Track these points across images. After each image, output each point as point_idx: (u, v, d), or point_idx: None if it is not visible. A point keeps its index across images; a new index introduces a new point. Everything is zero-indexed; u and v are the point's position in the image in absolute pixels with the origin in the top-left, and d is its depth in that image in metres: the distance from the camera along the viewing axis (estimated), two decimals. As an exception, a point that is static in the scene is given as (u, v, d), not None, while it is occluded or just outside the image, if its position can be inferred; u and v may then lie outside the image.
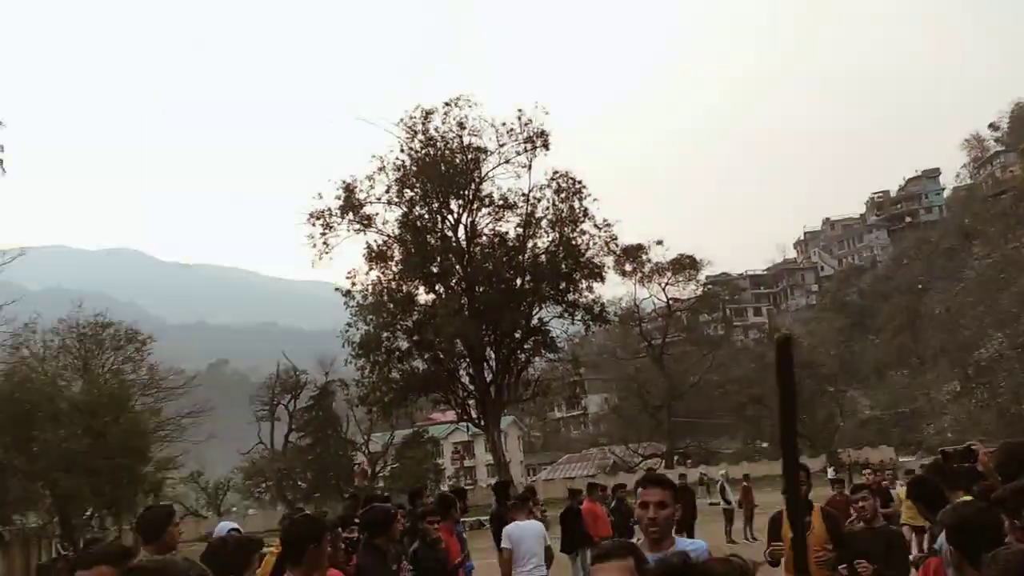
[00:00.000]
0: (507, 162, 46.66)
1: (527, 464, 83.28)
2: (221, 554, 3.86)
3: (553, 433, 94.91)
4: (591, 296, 47.70)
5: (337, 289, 46.72)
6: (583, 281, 47.14)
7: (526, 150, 46.34)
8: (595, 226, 47.16)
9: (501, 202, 47.32)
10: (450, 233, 47.08)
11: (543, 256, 46.88)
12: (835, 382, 68.40)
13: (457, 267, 46.66)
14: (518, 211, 47.32)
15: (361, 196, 46.18)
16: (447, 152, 46.30)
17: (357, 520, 6.74)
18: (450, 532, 8.69)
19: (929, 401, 65.98)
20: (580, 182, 46.98)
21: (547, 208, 47.22)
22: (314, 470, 65.71)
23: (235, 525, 6.76)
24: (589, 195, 47.04)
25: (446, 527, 8.42)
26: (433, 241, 46.64)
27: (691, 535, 18.80)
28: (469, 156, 46.46)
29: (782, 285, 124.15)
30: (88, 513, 43.81)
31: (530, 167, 46.63)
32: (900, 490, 12.53)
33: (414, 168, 46.18)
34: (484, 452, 66.25)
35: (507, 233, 47.52)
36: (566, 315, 48.01)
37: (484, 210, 47.42)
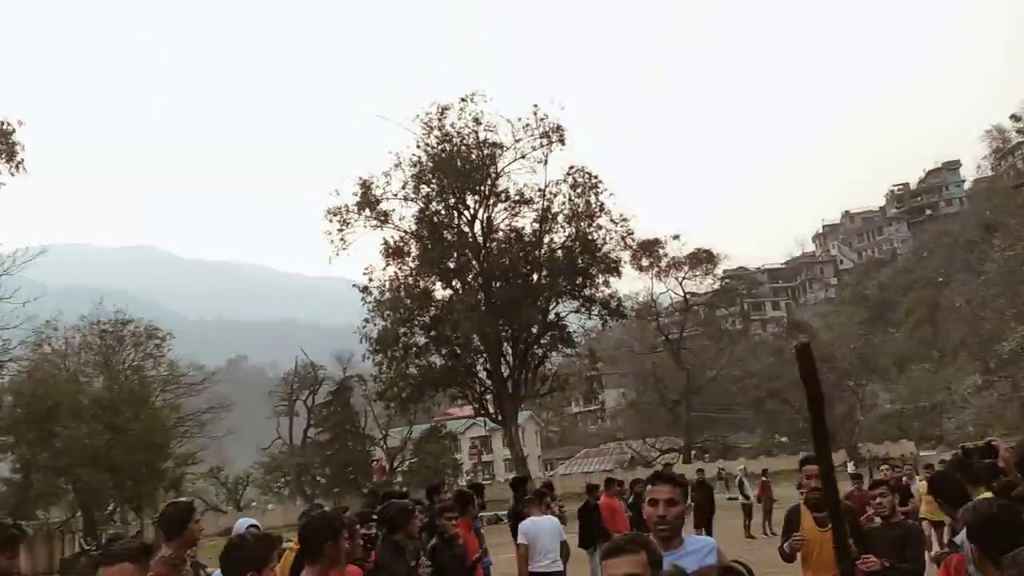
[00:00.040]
0: (523, 157, 46.63)
1: (545, 459, 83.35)
2: (241, 551, 3.89)
3: (570, 428, 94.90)
4: (608, 291, 47.65)
5: (354, 285, 46.89)
6: (600, 276, 47.07)
7: (542, 145, 46.28)
8: (612, 221, 47.06)
9: (517, 197, 47.29)
10: (466, 229, 47.11)
11: (560, 251, 46.84)
12: (855, 376, 67.88)
13: (474, 263, 46.69)
14: (534, 206, 47.29)
15: (378, 192, 46.31)
16: (463, 148, 46.29)
17: (375, 516, 6.76)
18: (468, 528, 8.70)
19: (950, 395, 65.39)
20: (596, 177, 46.90)
21: (563, 203, 47.17)
22: (333, 465, 66.05)
23: (254, 522, 6.81)
24: (605, 190, 46.98)
25: (464, 523, 8.44)
26: (450, 237, 46.68)
27: (709, 530, 18.78)
28: (485, 152, 46.43)
29: (800, 279, 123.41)
30: (110, 508, 44.30)
31: (546, 162, 46.60)
32: (920, 485, 12.39)
33: (430, 164, 46.22)
34: (502, 447, 66.37)
35: (523, 228, 47.53)
36: (583, 310, 47.97)
37: (500, 205, 47.42)
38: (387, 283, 46.48)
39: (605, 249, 47.04)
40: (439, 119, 46.54)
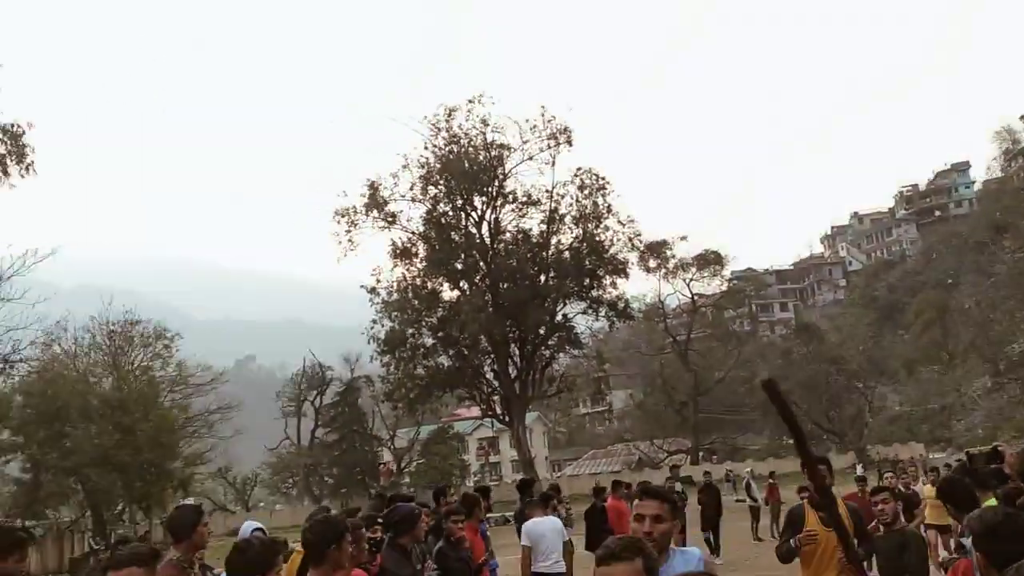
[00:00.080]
0: (530, 159, 46.71)
1: (552, 460, 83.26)
2: (246, 555, 3.91)
3: (578, 429, 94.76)
4: (615, 292, 47.73)
5: (362, 286, 47.01)
6: (607, 277, 47.11)
7: (549, 146, 46.36)
8: (619, 222, 47.13)
9: (525, 199, 47.40)
10: (474, 230, 47.18)
11: (567, 252, 46.87)
12: (864, 378, 67.64)
13: (481, 264, 46.75)
14: (542, 207, 47.36)
15: (385, 193, 46.46)
16: (471, 149, 46.38)
17: (380, 519, 6.77)
18: (474, 531, 8.72)
19: (959, 397, 65.09)
20: (603, 178, 46.98)
21: (571, 204, 47.24)
22: (340, 466, 66.15)
23: (259, 525, 6.82)
24: (612, 191, 46.99)
25: (470, 526, 8.45)
26: (457, 238, 46.76)
27: (716, 532, 18.76)
28: (492, 153, 46.52)
29: (809, 280, 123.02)
30: (119, 508, 44.46)
31: (553, 163, 46.64)
32: (925, 488, 12.26)
33: (438, 165, 46.32)
34: (509, 448, 66.32)
35: (531, 230, 47.63)
36: (590, 311, 48.00)
37: (508, 207, 47.53)
38: (395, 284, 46.66)
39: (612, 250, 47.10)
40: (447, 120, 46.68)
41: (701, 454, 65.41)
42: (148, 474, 40.90)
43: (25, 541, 4.21)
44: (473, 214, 47.20)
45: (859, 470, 35.81)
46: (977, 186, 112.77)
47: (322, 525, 4.53)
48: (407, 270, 46.99)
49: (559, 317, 47.56)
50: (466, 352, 46.41)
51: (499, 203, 47.21)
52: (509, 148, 46.73)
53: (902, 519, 6.56)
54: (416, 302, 45.99)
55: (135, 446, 39.12)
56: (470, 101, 46.38)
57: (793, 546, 5.81)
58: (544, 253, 46.84)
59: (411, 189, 46.64)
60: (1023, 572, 2.68)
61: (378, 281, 46.73)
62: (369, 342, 46.53)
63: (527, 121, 46.32)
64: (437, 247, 46.11)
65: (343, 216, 45.85)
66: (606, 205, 46.82)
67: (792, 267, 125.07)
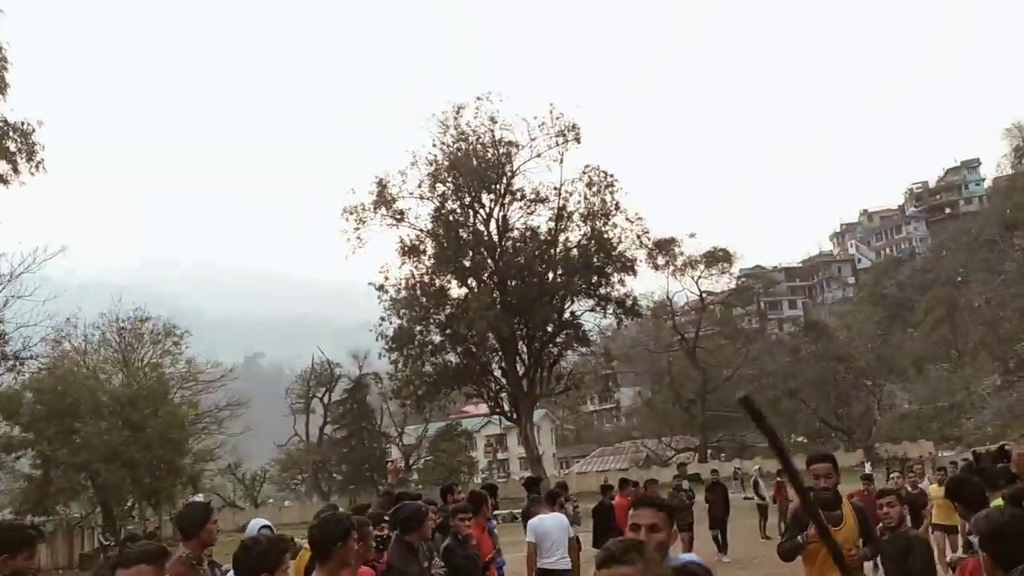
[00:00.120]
0: (538, 156, 46.68)
1: (560, 457, 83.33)
2: (253, 553, 3.93)
3: (586, 426, 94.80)
4: (623, 289, 47.65)
5: (370, 283, 47.09)
6: (615, 275, 47.06)
7: (557, 144, 46.32)
8: (627, 219, 47.06)
9: (533, 196, 47.37)
10: (482, 227, 47.19)
11: (575, 250, 46.84)
12: (873, 376, 67.45)
13: (489, 261, 46.77)
14: (550, 205, 47.35)
15: (393, 191, 46.50)
16: (479, 146, 46.39)
17: (387, 517, 6.79)
18: (482, 528, 8.73)
19: (969, 395, 64.79)
20: (612, 175, 46.93)
21: (579, 202, 47.19)
22: (349, 462, 66.34)
23: (267, 522, 6.86)
24: (620, 188, 46.94)
25: (478, 523, 8.46)
26: (465, 235, 46.77)
27: (724, 530, 18.75)
28: (501, 150, 46.52)
29: (818, 278, 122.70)
30: (129, 504, 44.66)
31: (561, 161, 46.61)
32: (932, 488, 12.14)
33: (446, 162, 46.34)
34: (517, 445, 66.40)
35: (539, 227, 47.60)
36: (598, 308, 47.97)
37: (516, 204, 47.52)
38: (403, 281, 46.70)
39: (621, 248, 47.06)
40: (455, 118, 46.69)
41: (709, 452, 65.36)
42: (158, 470, 41.07)
43: (34, 538, 4.24)
44: (481, 211, 47.22)
45: (867, 468, 35.74)
46: (987, 183, 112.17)
47: (328, 523, 4.55)
48: (415, 267, 47.09)
49: (567, 314, 47.56)
50: (474, 349, 46.43)
51: (507, 200, 47.21)
52: (517, 145, 46.77)
53: (908, 521, 6.48)
54: (424, 299, 46.04)
55: (145, 442, 39.30)
56: (478, 98, 46.47)
57: (800, 542, 5.72)
58: (552, 250, 46.83)
59: (419, 186, 46.73)
60: (1026, 574, 2.67)
61: (386, 278, 46.84)
62: (377, 339, 46.66)
63: (535, 118, 46.37)
64: (445, 244, 46.14)
65: (351, 213, 45.94)
66: (614, 202, 46.81)
67: (801, 264, 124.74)
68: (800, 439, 69.46)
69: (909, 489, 12.09)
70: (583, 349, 51.29)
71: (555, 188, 47.03)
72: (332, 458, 67.53)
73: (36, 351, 37.25)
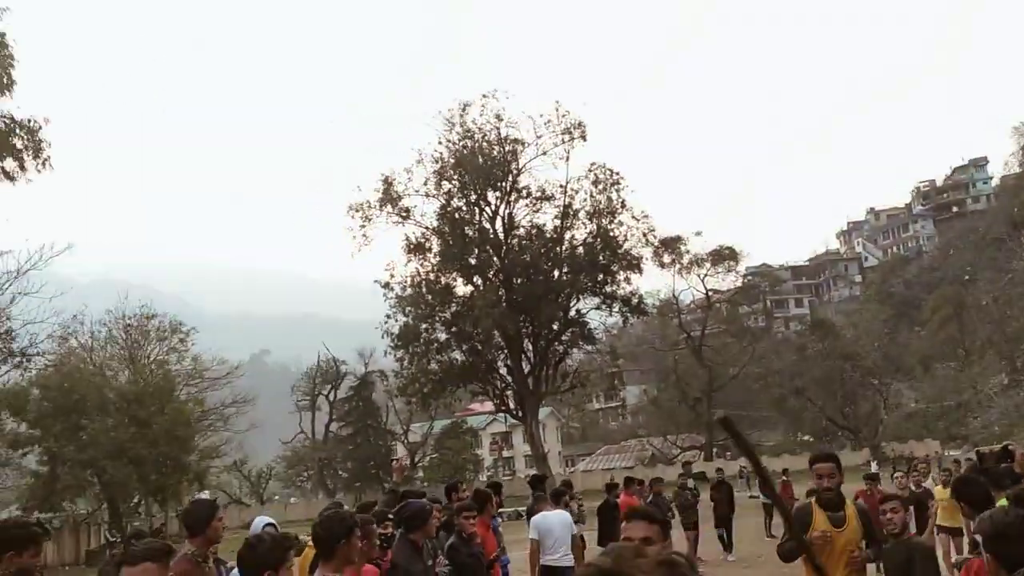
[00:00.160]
0: (544, 154, 46.64)
1: (565, 455, 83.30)
2: (257, 551, 3.94)
3: (591, 424, 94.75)
4: (629, 288, 47.59)
5: (376, 281, 47.13)
6: (621, 272, 47.00)
7: (563, 141, 46.27)
8: (633, 217, 46.99)
9: (539, 194, 47.33)
10: (488, 225, 47.17)
11: (581, 248, 46.80)
12: (879, 374, 67.25)
13: (495, 259, 46.75)
14: (556, 203, 47.30)
15: (399, 188, 46.51)
16: (485, 144, 46.36)
17: (391, 515, 6.80)
18: (486, 527, 8.75)
19: (976, 394, 64.56)
20: (618, 173, 46.85)
21: (585, 199, 47.13)
22: (354, 460, 66.44)
23: (271, 520, 6.87)
24: (627, 186, 46.87)
25: (482, 521, 8.48)
26: (471, 233, 46.76)
27: (729, 529, 18.73)
28: (506, 148, 46.48)
29: (824, 276, 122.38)
30: (135, 500, 44.81)
31: (567, 158, 46.56)
32: (937, 489, 12.01)
33: (452, 160, 46.33)
34: (522, 443, 66.40)
35: (545, 225, 47.55)
36: (604, 306, 47.91)
37: (522, 202, 47.49)
38: (408, 279, 46.71)
39: (627, 246, 46.99)
40: (461, 115, 46.67)
41: (715, 450, 65.25)
42: (164, 467, 41.20)
43: (40, 536, 4.25)
44: (487, 209, 47.20)
45: (874, 467, 35.65)
46: (995, 182, 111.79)
47: (331, 520, 4.56)
48: (421, 265, 47.10)
49: (573, 312, 47.53)
50: (480, 347, 46.44)
51: (513, 198, 47.19)
52: (523, 143, 46.74)
53: (912, 525, 6.34)
54: (430, 297, 46.06)
55: (151, 439, 39.41)
56: (484, 96, 46.43)
57: (808, 542, 5.61)
58: (558, 248, 46.79)
59: (425, 184, 46.71)
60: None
61: (392, 276, 46.86)
62: (383, 337, 46.67)
63: (541, 116, 46.32)
64: (451, 242, 46.13)
65: (357, 211, 45.96)
66: (620, 200, 46.72)
67: (808, 263, 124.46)
68: (806, 438, 69.39)
69: (913, 488, 12.00)
70: (589, 347, 51.26)
71: (561, 186, 47.02)
72: (338, 455, 67.64)
73: (43, 348, 37.45)
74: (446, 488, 10.41)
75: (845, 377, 63.60)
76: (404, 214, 46.72)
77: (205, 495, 35.40)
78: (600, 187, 46.76)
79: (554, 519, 9.48)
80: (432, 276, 46.72)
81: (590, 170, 46.79)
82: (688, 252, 63.30)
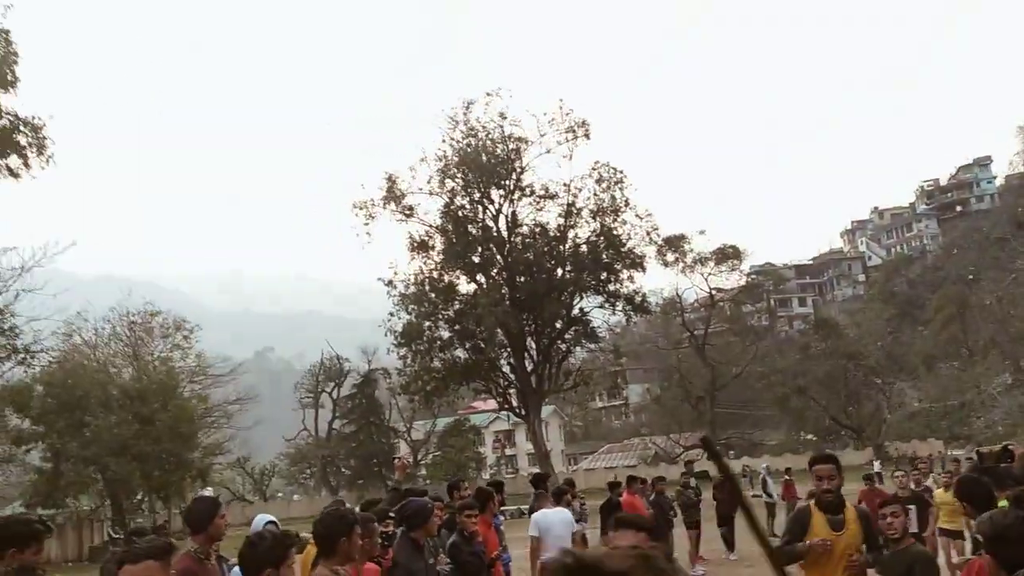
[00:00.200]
0: (548, 152, 46.60)
1: (568, 453, 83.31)
2: (258, 549, 3.95)
3: (594, 423, 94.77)
4: (632, 286, 47.52)
5: (379, 279, 47.15)
6: (624, 271, 46.93)
7: (567, 140, 46.22)
8: (636, 216, 46.93)
9: (542, 192, 47.26)
10: (491, 223, 47.15)
11: (584, 246, 46.76)
12: (882, 374, 67.20)
13: (498, 257, 46.73)
14: (559, 201, 47.24)
15: (403, 186, 46.52)
16: (488, 142, 46.33)
17: (393, 513, 6.81)
18: (488, 525, 8.76)
19: (979, 393, 64.54)
20: (621, 171, 46.79)
21: (588, 198, 47.07)
22: (357, 457, 66.49)
23: (272, 518, 6.89)
24: (630, 184, 46.83)
25: (484, 520, 8.49)
26: (474, 231, 46.75)
27: (732, 528, 18.71)
28: (510, 146, 46.44)
29: (828, 275, 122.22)
30: (138, 497, 44.91)
31: (571, 157, 46.51)
32: (938, 492, 11.87)
33: (455, 158, 46.31)
34: (525, 441, 66.43)
35: (548, 223, 47.49)
36: (607, 305, 47.86)
37: (525, 200, 47.42)
38: (412, 277, 46.71)
39: (630, 244, 46.91)
40: (464, 113, 46.65)
41: (718, 449, 65.23)
42: (167, 464, 41.30)
43: (42, 533, 4.27)
44: (490, 207, 47.17)
45: (876, 466, 35.58)
46: (999, 181, 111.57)
47: (331, 518, 4.57)
48: (424, 263, 47.09)
49: (576, 311, 47.47)
50: (483, 345, 46.42)
51: (516, 196, 47.14)
52: (527, 141, 46.69)
53: (914, 524, 6.21)
54: (433, 295, 46.05)
55: (154, 436, 39.51)
56: (488, 94, 46.38)
57: (799, 551, 5.48)
58: (561, 247, 46.75)
59: (428, 182, 46.69)
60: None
61: (395, 274, 46.86)
62: (386, 334, 46.68)
63: (544, 114, 46.27)
64: (454, 240, 46.12)
65: (361, 208, 46.00)
66: (624, 199, 46.67)
67: (811, 262, 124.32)
68: (809, 437, 69.30)
69: (913, 487, 11.92)
70: (592, 345, 51.22)
71: (564, 184, 46.96)
72: (340, 453, 67.70)
73: (47, 344, 37.51)
74: (448, 486, 10.42)
75: (848, 376, 63.52)
76: (407, 212, 46.73)
77: (208, 492, 35.45)
78: (604, 185, 46.72)
79: (555, 517, 9.50)
80: (435, 274, 46.73)
81: (594, 168, 46.76)
82: (692, 251, 63.33)
